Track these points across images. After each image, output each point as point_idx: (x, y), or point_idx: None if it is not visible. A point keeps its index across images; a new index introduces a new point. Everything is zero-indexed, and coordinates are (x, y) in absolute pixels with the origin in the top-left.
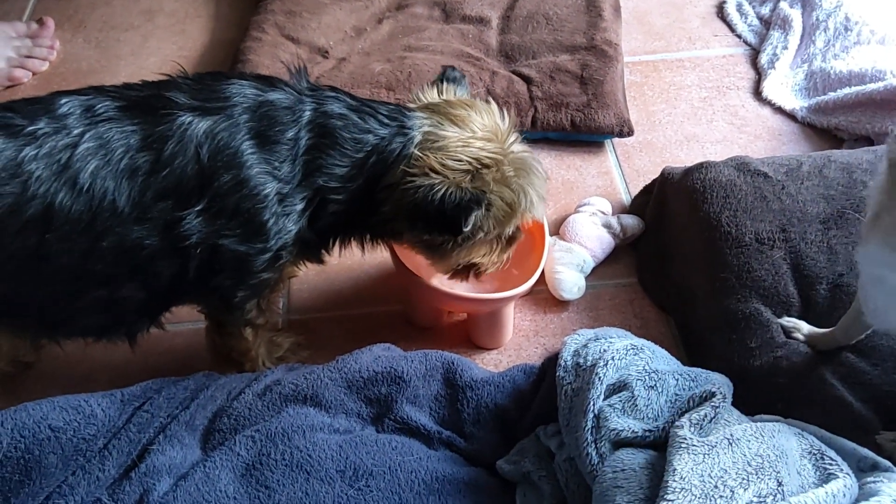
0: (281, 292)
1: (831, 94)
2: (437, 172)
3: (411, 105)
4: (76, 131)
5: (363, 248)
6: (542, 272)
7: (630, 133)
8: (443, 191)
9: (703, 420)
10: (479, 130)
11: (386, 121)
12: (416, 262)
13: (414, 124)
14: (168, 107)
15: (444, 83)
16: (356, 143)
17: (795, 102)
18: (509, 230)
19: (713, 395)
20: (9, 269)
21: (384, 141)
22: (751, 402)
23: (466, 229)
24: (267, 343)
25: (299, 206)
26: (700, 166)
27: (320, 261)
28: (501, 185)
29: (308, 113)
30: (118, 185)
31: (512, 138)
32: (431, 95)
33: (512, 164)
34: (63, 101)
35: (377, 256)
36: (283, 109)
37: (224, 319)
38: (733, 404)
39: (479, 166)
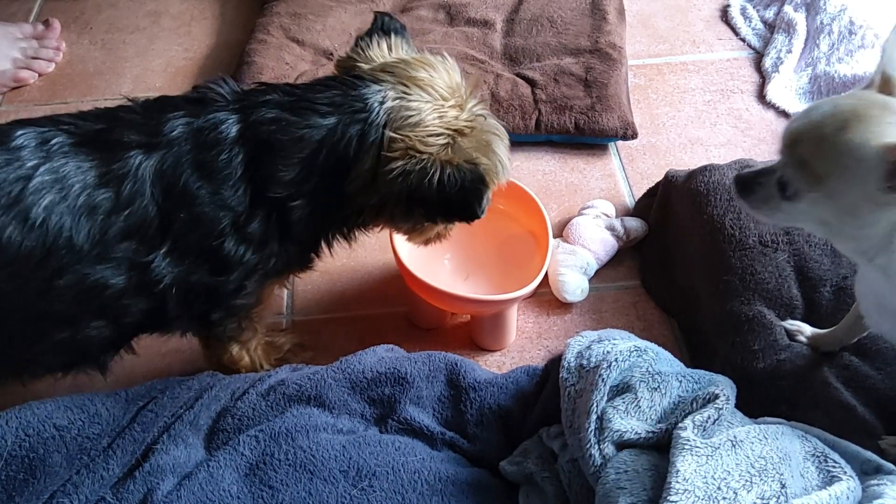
0: (268, 311)
1: None
2: (419, 152)
3: (363, 66)
4: (30, 164)
5: (349, 241)
6: (546, 274)
7: (634, 136)
8: (438, 174)
9: (707, 422)
10: (448, 97)
11: (327, 110)
12: (419, 263)
13: (371, 102)
14: (119, 146)
15: (391, 35)
16: (297, 144)
17: (799, 106)
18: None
19: (716, 396)
20: None
21: (332, 133)
22: (754, 405)
23: (482, 214)
24: (265, 345)
25: (258, 229)
26: (704, 169)
27: (309, 268)
28: (480, 153)
29: (234, 128)
30: (76, 222)
31: (473, 101)
32: (381, 52)
33: (484, 130)
34: (19, 132)
35: (380, 258)
36: (212, 132)
37: (206, 337)
38: (736, 407)
39: (457, 134)
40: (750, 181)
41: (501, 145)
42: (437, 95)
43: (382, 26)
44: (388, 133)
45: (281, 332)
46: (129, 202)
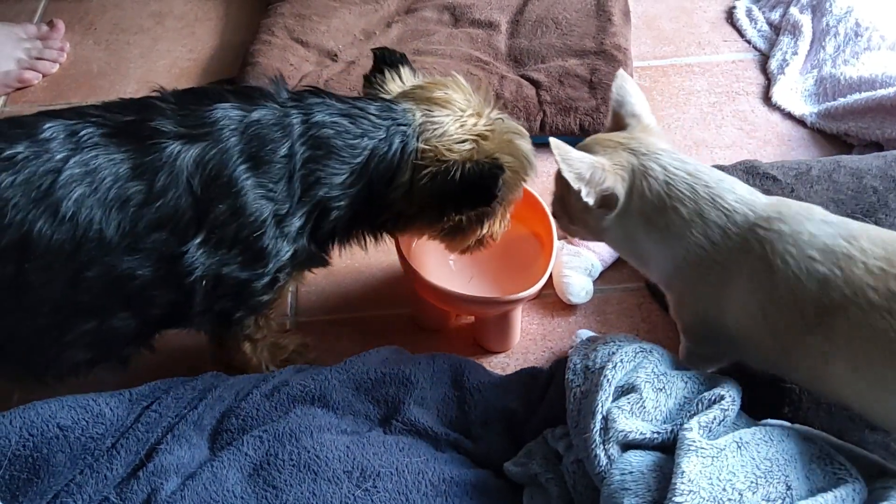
0: (280, 307)
1: (841, 100)
2: (445, 157)
3: (384, 96)
4: (59, 157)
5: (365, 245)
6: (550, 276)
7: None
8: (460, 169)
9: (712, 423)
10: (466, 108)
11: (378, 121)
12: (424, 264)
13: (406, 118)
14: (154, 136)
15: (398, 68)
16: (352, 150)
17: (805, 108)
18: (515, 195)
19: (722, 398)
20: None
21: (383, 142)
22: (759, 407)
23: (500, 193)
24: (270, 347)
25: (297, 224)
26: None
27: (325, 264)
28: (503, 152)
29: (297, 126)
30: (106, 215)
31: (489, 108)
32: (394, 86)
33: (504, 131)
34: (47, 125)
35: (384, 259)
36: (271, 127)
37: (222, 335)
38: (741, 409)
39: (479, 139)
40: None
41: (522, 142)
42: (455, 108)
43: (385, 60)
44: (420, 145)
45: (286, 333)
46: (161, 193)
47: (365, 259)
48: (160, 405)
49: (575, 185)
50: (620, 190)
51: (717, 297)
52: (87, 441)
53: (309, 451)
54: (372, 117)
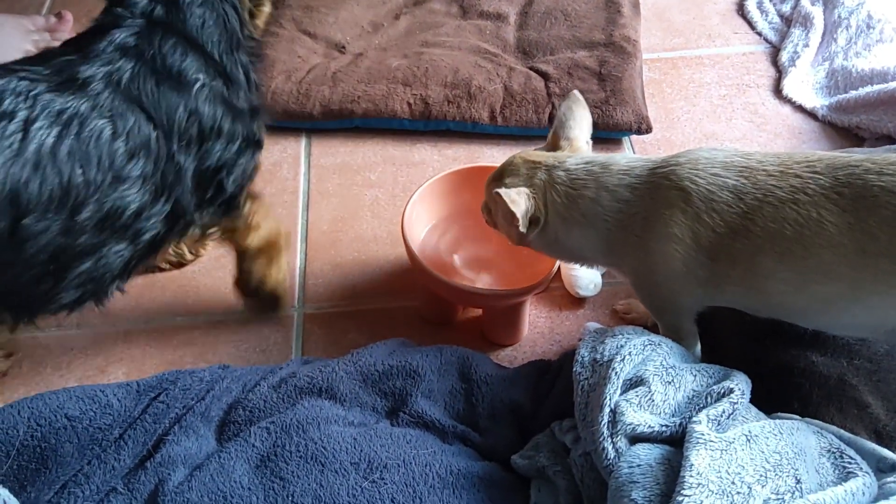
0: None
1: (853, 93)
2: None
3: None
4: (21, 115)
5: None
6: (559, 269)
7: (648, 130)
8: None
9: (721, 416)
10: None
11: None
12: (431, 257)
13: None
14: (85, 79)
15: None
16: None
17: (816, 100)
18: None
19: (731, 391)
20: None
21: None
22: (767, 401)
23: None
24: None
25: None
26: None
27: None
28: None
29: (142, 21)
30: (85, 155)
31: None
32: None
33: None
34: None
35: (392, 251)
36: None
37: (230, 224)
38: (750, 403)
39: None
40: None
41: None
42: None
43: None
44: None
45: None
46: (123, 120)
47: (371, 251)
48: (168, 396)
49: (523, 221)
50: (541, 210)
51: (652, 242)
52: (95, 432)
53: (316, 443)
54: None
